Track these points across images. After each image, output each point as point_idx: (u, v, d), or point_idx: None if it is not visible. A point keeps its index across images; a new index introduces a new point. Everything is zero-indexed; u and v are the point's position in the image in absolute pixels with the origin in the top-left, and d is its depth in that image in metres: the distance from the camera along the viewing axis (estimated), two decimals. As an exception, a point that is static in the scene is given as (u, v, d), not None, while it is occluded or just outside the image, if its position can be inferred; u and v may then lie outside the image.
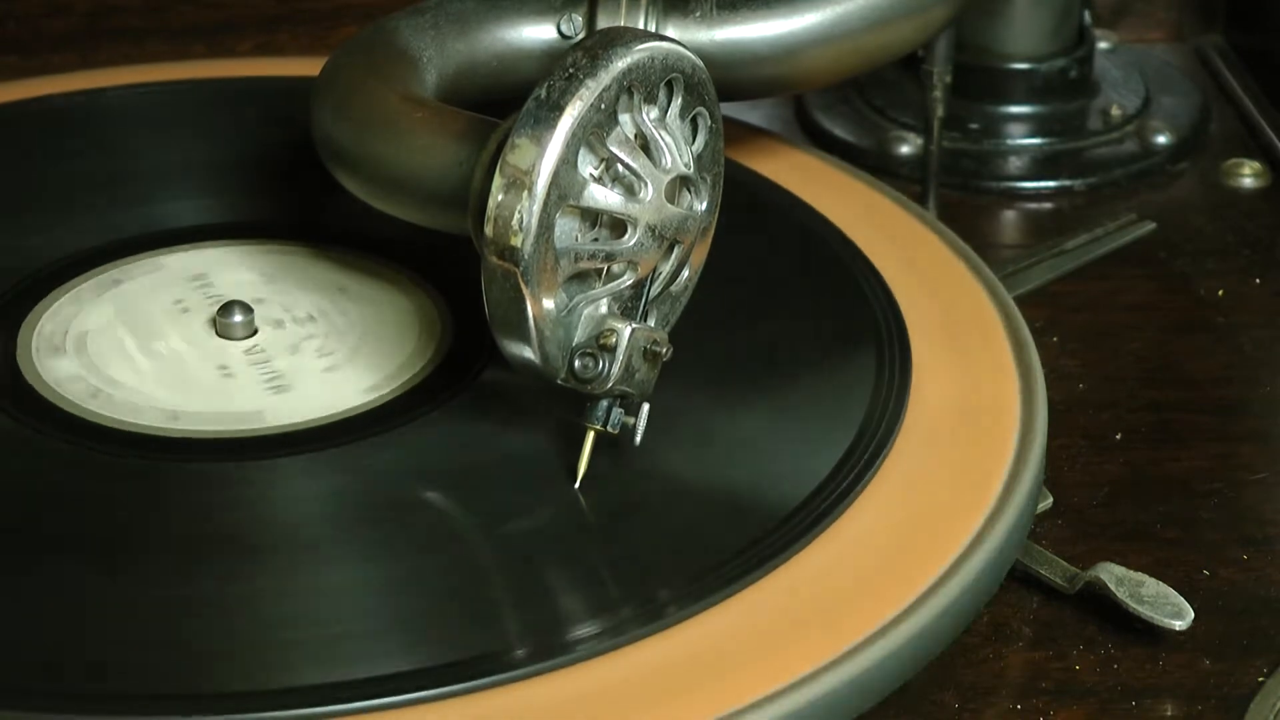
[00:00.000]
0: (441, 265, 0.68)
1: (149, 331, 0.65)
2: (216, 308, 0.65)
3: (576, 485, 0.57)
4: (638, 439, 0.57)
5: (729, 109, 0.74)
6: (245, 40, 0.90)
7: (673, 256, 0.58)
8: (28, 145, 0.75)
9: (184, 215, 0.71)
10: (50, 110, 0.76)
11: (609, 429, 0.57)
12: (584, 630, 0.53)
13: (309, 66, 0.67)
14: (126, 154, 0.74)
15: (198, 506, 0.58)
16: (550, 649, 0.52)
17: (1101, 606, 0.59)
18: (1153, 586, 0.58)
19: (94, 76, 0.80)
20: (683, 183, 0.58)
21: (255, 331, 0.65)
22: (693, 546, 0.56)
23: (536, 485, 0.58)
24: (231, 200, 0.72)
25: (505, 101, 0.61)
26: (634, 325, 0.57)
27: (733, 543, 0.56)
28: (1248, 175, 0.82)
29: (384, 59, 0.64)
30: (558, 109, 0.55)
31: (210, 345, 0.65)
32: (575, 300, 0.57)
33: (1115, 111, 0.85)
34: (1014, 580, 0.60)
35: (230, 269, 0.69)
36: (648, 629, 0.53)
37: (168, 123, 0.76)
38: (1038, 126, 0.84)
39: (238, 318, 0.65)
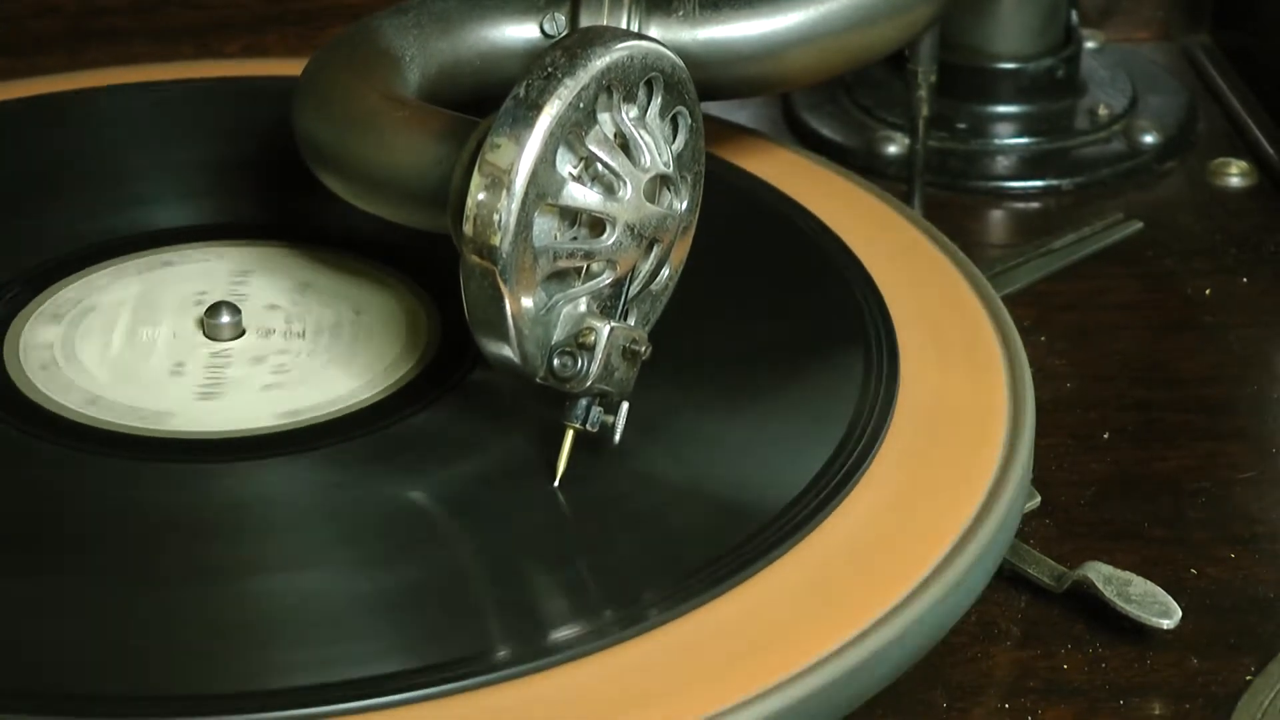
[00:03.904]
0: (428, 265, 0.67)
1: (136, 334, 0.65)
2: (203, 308, 0.65)
3: (556, 484, 0.57)
4: (617, 438, 0.57)
5: (716, 108, 0.74)
6: (233, 41, 0.90)
7: (652, 255, 0.58)
8: (12, 146, 0.74)
9: (169, 217, 0.71)
10: (36, 111, 0.76)
11: (588, 427, 0.57)
12: (567, 631, 0.53)
13: (297, 68, 0.67)
14: (112, 155, 0.74)
15: (186, 506, 0.58)
16: (533, 650, 0.52)
17: (1089, 605, 0.59)
18: (1140, 585, 0.58)
19: (81, 78, 0.79)
20: (662, 181, 0.58)
21: (243, 333, 0.65)
22: (677, 547, 0.56)
23: (518, 484, 0.58)
24: (216, 201, 0.72)
25: (488, 100, 0.61)
26: (613, 324, 0.57)
27: (718, 543, 0.55)
28: (1234, 174, 0.82)
29: (366, 58, 0.64)
30: (536, 108, 0.55)
31: (197, 346, 0.64)
32: (554, 299, 0.57)
33: (1102, 111, 0.85)
34: (1002, 579, 0.60)
35: (216, 269, 0.68)
36: (632, 630, 0.53)
37: (154, 124, 0.76)
38: (1025, 126, 0.84)
39: (225, 318, 0.65)
